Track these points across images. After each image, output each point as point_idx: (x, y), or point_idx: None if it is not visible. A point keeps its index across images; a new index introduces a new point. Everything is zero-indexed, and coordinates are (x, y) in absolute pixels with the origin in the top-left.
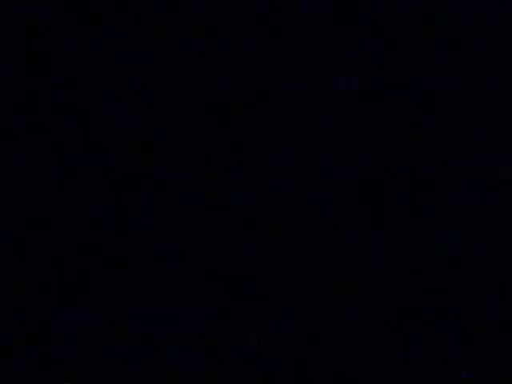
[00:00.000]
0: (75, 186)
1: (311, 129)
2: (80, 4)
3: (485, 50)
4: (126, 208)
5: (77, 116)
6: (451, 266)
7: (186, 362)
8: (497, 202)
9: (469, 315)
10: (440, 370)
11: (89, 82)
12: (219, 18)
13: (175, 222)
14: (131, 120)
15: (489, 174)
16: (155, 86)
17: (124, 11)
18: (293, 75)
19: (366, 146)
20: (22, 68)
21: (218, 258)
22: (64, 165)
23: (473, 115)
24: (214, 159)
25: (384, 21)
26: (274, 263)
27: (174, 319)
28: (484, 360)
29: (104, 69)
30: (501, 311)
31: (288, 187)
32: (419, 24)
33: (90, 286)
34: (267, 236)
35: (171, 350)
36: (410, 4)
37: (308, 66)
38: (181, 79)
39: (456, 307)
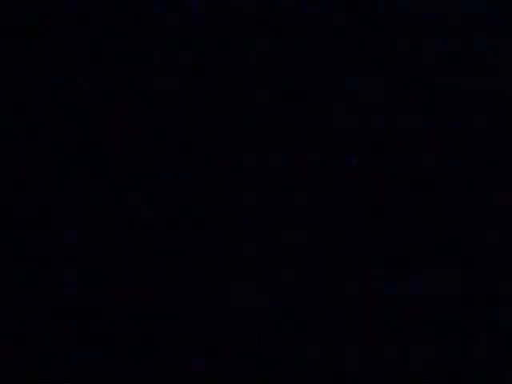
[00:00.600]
0: (75, 186)
1: (311, 129)
2: (80, 4)
3: (485, 50)
4: (125, 208)
5: (77, 116)
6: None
7: (185, 362)
8: (497, 202)
9: (469, 315)
10: (440, 369)
11: (89, 82)
12: (219, 18)
13: (175, 222)
14: (131, 120)
15: (489, 173)
16: (155, 86)
17: (124, 11)
18: (293, 75)
19: (366, 145)
20: (22, 68)
21: (217, 257)
22: (64, 165)
23: (473, 115)
24: (214, 159)
25: (384, 21)
26: (273, 263)
27: (174, 319)
28: (484, 360)
29: (104, 69)
30: (501, 311)
31: (288, 187)
32: (419, 24)
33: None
34: (267, 236)
35: (171, 350)
36: (410, 4)
37: (308, 66)
38: (181, 79)
39: (456, 307)
